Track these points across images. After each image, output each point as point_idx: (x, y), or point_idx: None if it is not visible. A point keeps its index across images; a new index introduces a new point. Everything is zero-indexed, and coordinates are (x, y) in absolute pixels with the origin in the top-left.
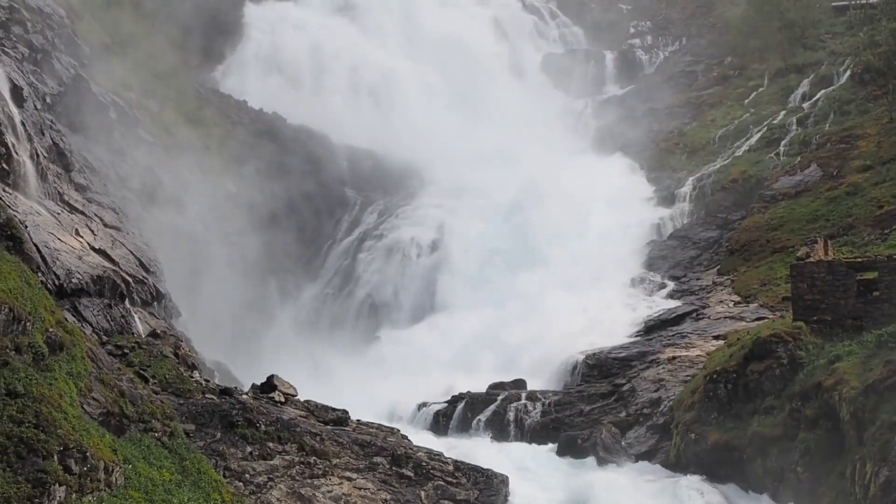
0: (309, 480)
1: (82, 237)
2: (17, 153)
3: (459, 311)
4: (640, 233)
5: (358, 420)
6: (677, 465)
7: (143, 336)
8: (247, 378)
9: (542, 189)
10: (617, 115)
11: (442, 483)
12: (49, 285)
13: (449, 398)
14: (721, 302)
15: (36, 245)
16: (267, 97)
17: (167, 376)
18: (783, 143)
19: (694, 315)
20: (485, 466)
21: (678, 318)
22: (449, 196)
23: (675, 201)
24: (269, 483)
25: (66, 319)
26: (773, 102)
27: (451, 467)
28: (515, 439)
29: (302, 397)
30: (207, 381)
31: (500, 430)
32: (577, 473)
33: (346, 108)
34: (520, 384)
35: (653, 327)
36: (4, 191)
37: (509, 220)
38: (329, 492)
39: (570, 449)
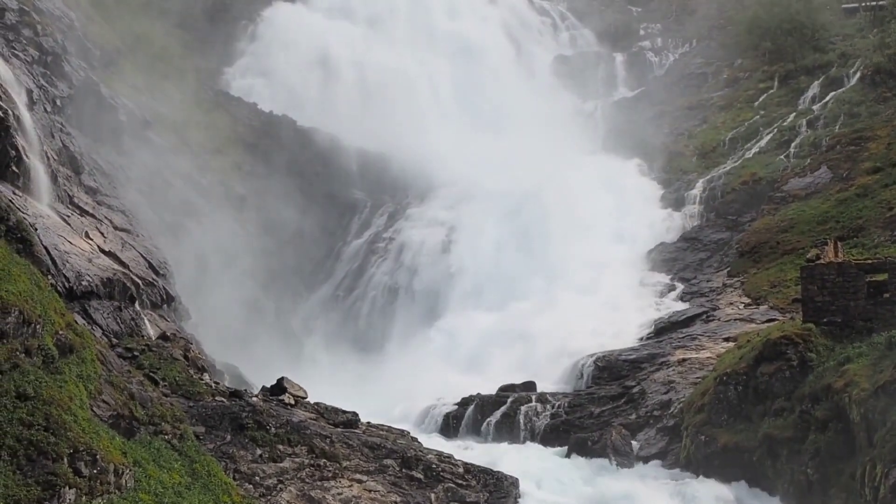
0: (319, 483)
1: (92, 240)
2: (27, 156)
3: (469, 313)
4: (650, 235)
5: (368, 422)
6: (687, 467)
7: (153, 338)
8: (257, 380)
9: (552, 191)
10: (627, 117)
11: (452, 485)
12: (59, 288)
13: (459, 400)
14: (731, 304)
15: (46, 248)
16: (277, 99)
17: (177, 379)
18: (793, 145)
19: (704, 317)
20: (495, 469)
21: (688, 320)
22: (458, 198)
23: (685, 203)
24: (280, 485)
25: (75, 322)
26: (783, 104)
27: (461, 469)
28: (526, 441)
29: (312, 399)
30: (217, 383)
31: (510, 432)
32: (587, 475)
33: (355, 110)
34: (530, 386)
35: (663, 329)
36: (14, 193)
37: (519, 222)
38: (339, 494)
39: (581, 451)
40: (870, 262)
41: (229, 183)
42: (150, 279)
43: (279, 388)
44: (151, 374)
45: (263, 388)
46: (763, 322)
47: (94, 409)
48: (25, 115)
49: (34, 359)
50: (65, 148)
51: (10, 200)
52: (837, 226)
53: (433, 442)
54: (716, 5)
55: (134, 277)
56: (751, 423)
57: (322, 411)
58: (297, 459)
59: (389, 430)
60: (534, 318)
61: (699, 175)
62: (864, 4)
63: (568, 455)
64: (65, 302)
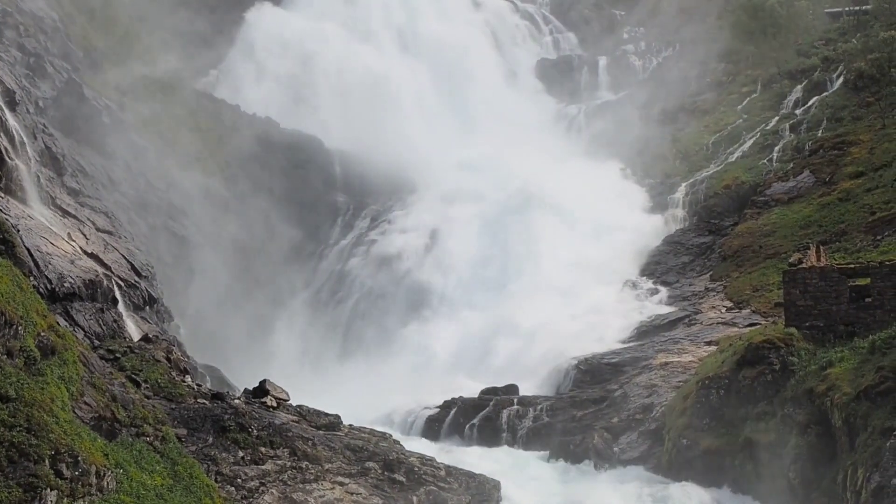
0: (301, 485)
1: (74, 241)
2: (9, 157)
3: (451, 316)
4: (632, 238)
5: (350, 425)
6: (669, 471)
7: (136, 340)
8: (239, 383)
9: (535, 194)
10: (610, 121)
11: (434, 488)
12: (41, 289)
13: (441, 403)
14: (713, 308)
15: (28, 249)
16: (260, 102)
17: (159, 381)
18: (776, 149)
19: (686, 321)
20: (477, 472)
21: (671, 324)
22: (441, 201)
23: (669, 207)
24: (261, 488)
25: (58, 324)
26: (766, 108)
27: (443, 472)
28: (508, 444)
29: (294, 402)
30: (199, 385)
31: (492, 435)
32: (569, 479)
33: (339, 113)
34: (512, 390)
35: (645, 333)
36: None
37: (502, 226)
38: (321, 497)
39: (563, 454)
40: (852, 266)
41: (212, 185)
42: (133, 281)
43: (261, 390)
44: (133, 376)
45: (245, 390)
46: (745, 326)
47: (76, 410)
48: (8, 117)
49: (16, 360)
50: (47, 149)
51: None
52: (820, 230)
53: (415, 445)
54: (699, 10)
55: (116, 279)
56: (733, 427)
57: (304, 414)
58: (278, 462)
59: (371, 432)
60: (516, 321)
61: (682, 179)
62: (847, 9)
63: (550, 458)
64: (47, 303)
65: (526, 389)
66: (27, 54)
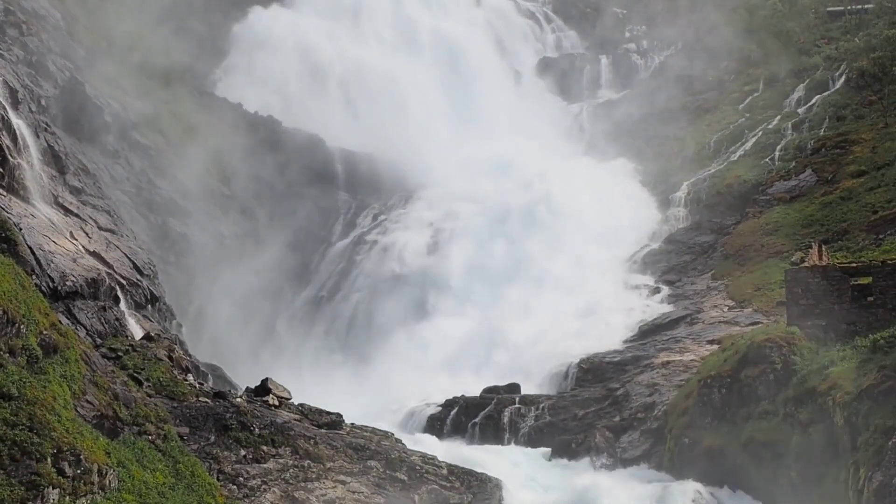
0: (303, 484)
1: (77, 240)
2: (11, 156)
3: (454, 315)
4: (634, 237)
5: (352, 424)
6: (671, 470)
7: (137, 339)
8: (241, 381)
9: (537, 193)
10: (612, 120)
11: (436, 487)
12: (43, 288)
13: (443, 402)
14: (715, 307)
15: (30, 247)
16: (263, 101)
17: (161, 379)
18: (778, 147)
19: (688, 320)
20: (479, 470)
21: (672, 323)
22: (444, 200)
23: (671, 206)
24: (263, 486)
25: (60, 322)
26: (768, 107)
27: (444, 471)
28: (510, 443)
29: (296, 401)
30: (201, 384)
31: (494, 434)
32: (571, 477)
33: (341, 112)
34: (514, 388)
35: (647, 332)
36: None
37: (504, 225)
38: (323, 495)
39: (565, 453)
40: (854, 265)
41: (214, 183)
42: (135, 279)
43: (263, 389)
44: (135, 374)
45: (247, 388)
46: (747, 325)
47: (78, 409)
48: (10, 115)
49: (18, 359)
50: (50, 148)
51: None
52: (822, 229)
53: (417, 444)
54: (701, 8)
55: (118, 278)
56: (734, 425)
57: (306, 412)
58: (280, 460)
59: (373, 431)
60: (519, 319)
61: (684, 177)
62: (849, 8)
63: (552, 457)
64: (49, 302)
65: (528, 388)
66: (29, 53)
